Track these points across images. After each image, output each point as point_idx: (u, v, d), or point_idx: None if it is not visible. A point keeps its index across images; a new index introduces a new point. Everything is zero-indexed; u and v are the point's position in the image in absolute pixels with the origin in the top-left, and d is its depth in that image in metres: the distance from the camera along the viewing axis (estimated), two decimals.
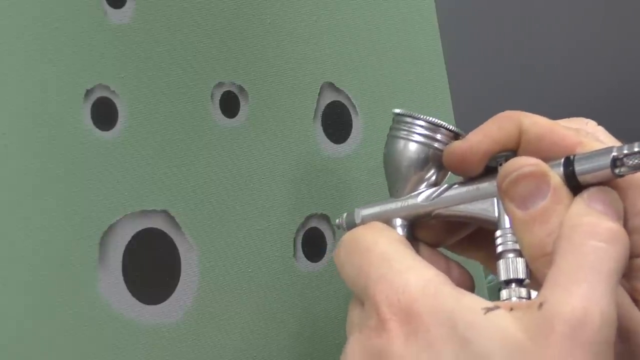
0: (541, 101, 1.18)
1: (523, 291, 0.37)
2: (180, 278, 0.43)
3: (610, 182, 0.36)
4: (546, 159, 0.37)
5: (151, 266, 0.42)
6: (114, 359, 0.41)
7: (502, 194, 0.37)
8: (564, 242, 0.35)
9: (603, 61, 1.43)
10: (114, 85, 0.41)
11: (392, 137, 0.41)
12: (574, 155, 0.37)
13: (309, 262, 0.47)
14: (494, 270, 0.38)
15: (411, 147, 0.41)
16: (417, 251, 0.40)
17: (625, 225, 0.36)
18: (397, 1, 0.51)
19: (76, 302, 0.40)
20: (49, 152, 0.40)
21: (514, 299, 0.37)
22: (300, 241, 0.47)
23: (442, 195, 0.40)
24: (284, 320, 0.46)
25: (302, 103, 0.47)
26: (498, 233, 0.38)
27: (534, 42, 1.39)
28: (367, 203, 0.42)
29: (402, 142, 0.41)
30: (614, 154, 0.35)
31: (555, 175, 0.36)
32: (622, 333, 0.35)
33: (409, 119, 0.41)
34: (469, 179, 0.40)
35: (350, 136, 0.49)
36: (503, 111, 0.40)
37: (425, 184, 0.41)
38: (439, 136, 0.40)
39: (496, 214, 0.38)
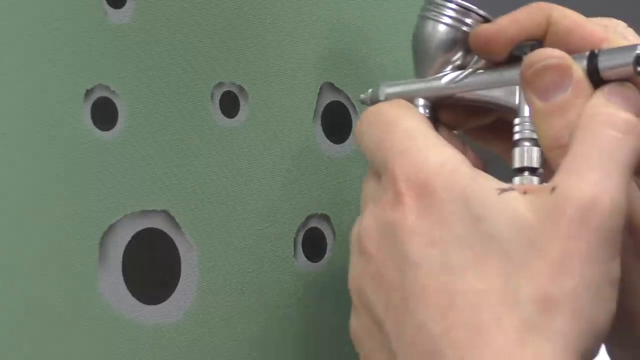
0: None
1: (535, 179, 0.38)
2: (180, 278, 0.43)
3: (632, 80, 0.37)
4: (571, 52, 0.37)
5: (151, 266, 0.42)
6: (114, 359, 0.41)
7: (525, 84, 0.38)
8: (581, 130, 0.35)
9: None
10: (114, 85, 0.41)
11: (422, 17, 0.42)
12: (599, 50, 0.37)
13: (309, 262, 0.47)
14: (510, 161, 0.39)
15: (440, 28, 0.41)
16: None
17: None
18: (397, 1, 0.51)
19: (76, 302, 0.40)
20: (49, 152, 0.40)
21: (526, 185, 0.37)
22: (300, 241, 0.47)
23: (466, 79, 0.41)
24: (284, 320, 0.46)
25: (302, 103, 0.47)
26: (516, 121, 0.39)
27: None
28: (392, 80, 0.43)
29: (431, 24, 0.41)
30: (638, 51, 0.36)
31: (579, 69, 0.37)
32: (631, 228, 0.36)
33: (440, 1, 0.41)
34: (494, 66, 0.40)
35: (350, 136, 0.49)
36: None
37: (450, 66, 0.42)
38: (468, 20, 0.41)
39: (517, 102, 0.39)
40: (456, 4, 0.41)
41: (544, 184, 0.36)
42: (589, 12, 0.40)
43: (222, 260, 0.44)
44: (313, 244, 0.47)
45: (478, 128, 0.44)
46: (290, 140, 0.47)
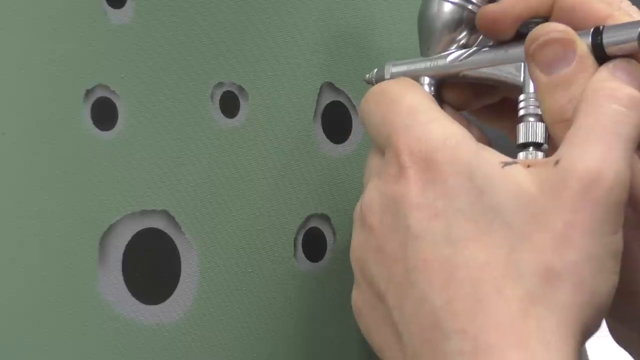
0: None
1: (540, 155, 0.38)
2: (180, 278, 0.43)
3: (636, 56, 0.37)
4: (576, 29, 0.38)
5: (151, 266, 0.42)
6: (114, 359, 0.41)
7: (529, 58, 0.38)
8: (585, 104, 0.35)
9: None
10: (114, 85, 0.41)
11: None
12: (603, 26, 0.37)
13: (309, 262, 0.47)
14: (515, 140, 0.39)
15: (446, 7, 0.41)
16: None
17: None
18: (397, 1, 0.51)
19: (76, 302, 0.40)
20: (49, 152, 0.40)
21: (530, 159, 0.38)
22: (300, 241, 0.47)
23: (471, 57, 0.41)
24: (284, 320, 0.46)
25: (302, 103, 0.47)
26: (521, 97, 0.39)
27: None
28: (397, 60, 0.43)
29: (437, 2, 0.42)
30: None
31: (582, 43, 0.37)
32: (633, 201, 0.36)
33: None
34: (499, 43, 0.41)
35: (350, 136, 0.49)
36: None
37: (456, 45, 0.42)
38: None
39: (522, 79, 0.39)
40: None
41: (548, 157, 0.36)
42: None
43: (222, 260, 0.44)
44: (313, 244, 0.47)
45: (484, 107, 0.44)
46: (290, 140, 0.47)
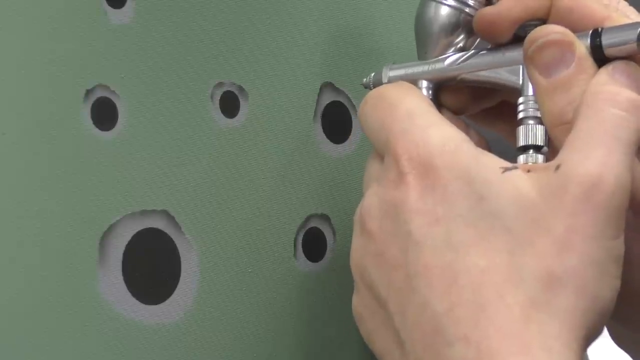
0: None
1: (540, 157, 0.38)
2: (180, 278, 0.43)
3: (635, 58, 0.37)
4: (574, 31, 0.37)
5: (151, 266, 0.42)
6: (114, 359, 0.41)
7: (527, 60, 0.38)
8: (585, 108, 0.35)
9: None
10: (114, 85, 0.41)
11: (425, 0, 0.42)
12: (602, 28, 0.37)
13: (309, 262, 0.47)
14: (515, 143, 0.39)
15: (443, 10, 0.41)
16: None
17: None
18: (397, 1, 0.51)
19: (76, 302, 0.40)
20: (49, 152, 0.40)
21: (530, 164, 0.37)
22: (300, 241, 0.47)
23: (469, 60, 0.41)
24: (284, 320, 0.46)
25: (302, 103, 0.47)
26: (520, 100, 0.39)
27: None
28: (395, 64, 0.43)
29: (434, 5, 0.42)
30: None
31: (581, 45, 0.37)
32: (635, 207, 0.36)
33: None
34: (497, 46, 0.40)
35: (350, 136, 0.49)
36: None
37: (453, 49, 0.42)
38: (471, 2, 0.41)
39: (520, 82, 0.39)
40: None
41: (549, 162, 0.36)
42: None
43: (222, 260, 0.44)
44: (313, 244, 0.47)
45: (482, 111, 0.44)
46: (290, 140, 0.47)
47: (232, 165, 0.45)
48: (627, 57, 0.37)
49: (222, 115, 0.45)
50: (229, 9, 0.45)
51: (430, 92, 0.42)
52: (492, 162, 0.36)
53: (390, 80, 0.43)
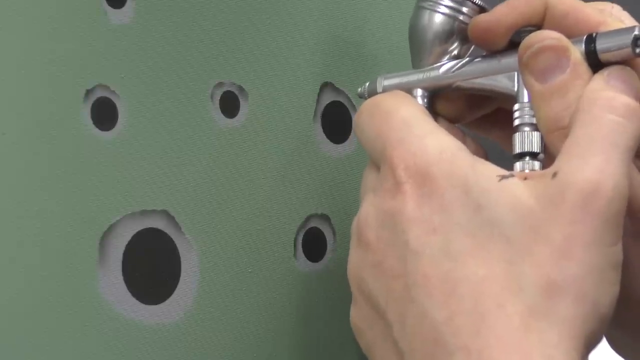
0: None
1: (536, 164, 0.38)
2: (180, 278, 0.43)
3: (630, 62, 0.37)
4: (569, 37, 0.37)
5: (151, 266, 0.42)
6: (114, 359, 0.41)
7: (523, 66, 0.38)
8: (581, 114, 0.35)
9: None
10: (114, 85, 0.41)
11: (418, 8, 0.42)
12: (596, 33, 0.37)
13: (309, 262, 0.47)
14: (511, 150, 0.39)
15: (437, 18, 0.41)
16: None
17: None
18: (397, 1, 0.51)
19: (76, 302, 0.40)
20: (49, 152, 0.40)
21: (527, 171, 0.37)
22: (300, 241, 0.47)
23: (464, 68, 0.41)
24: (284, 320, 0.46)
25: (302, 103, 0.47)
26: (516, 107, 0.38)
27: None
28: (389, 73, 0.43)
29: (427, 13, 0.41)
30: (636, 32, 0.36)
31: (576, 50, 0.37)
32: (632, 212, 0.36)
33: None
34: (492, 53, 0.40)
35: (350, 136, 0.49)
36: None
37: (448, 56, 0.42)
38: (465, 9, 0.41)
39: (515, 89, 0.39)
40: None
41: (546, 169, 0.36)
42: None
43: (222, 260, 0.44)
44: (313, 244, 0.47)
45: (478, 118, 0.44)
46: (290, 140, 0.47)
47: (232, 165, 0.45)
48: (622, 62, 0.37)
49: (222, 115, 0.45)
50: (229, 9, 0.45)
51: (425, 100, 0.42)
52: (489, 170, 0.35)
53: (385, 90, 0.43)
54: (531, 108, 0.38)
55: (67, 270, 0.40)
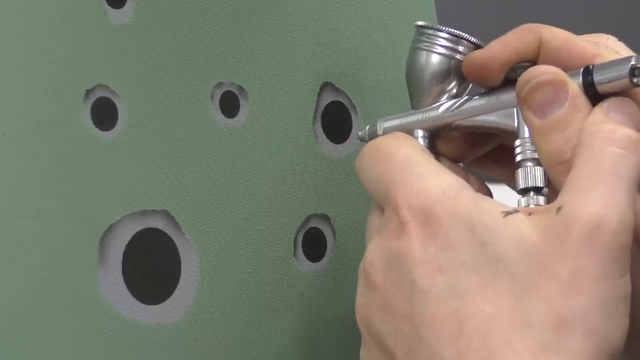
0: None
1: (541, 199, 0.37)
2: (180, 278, 0.43)
3: (629, 92, 0.37)
4: (565, 70, 0.37)
5: (151, 266, 0.42)
6: (113, 359, 0.41)
7: (521, 102, 0.38)
8: (583, 148, 0.35)
9: None
10: (114, 85, 0.41)
11: (414, 49, 0.42)
12: (593, 65, 0.37)
13: (309, 262, 0.47)
14: (515, 186, 0.38)
15: (433, 58, 0.41)
16: None
17: None
18: (397, 1, 0.51)
19: (76, 302, 0.40)
20: (49, 152, 0.40)
21: (532, 206, 0.37)
22: (300, 241, 0.47)
23: (463, 106, 0.41)
24: (284, 320, 0.46)
25: (302, 103, 0.47)
26: (517, 142, 0.38)
27: None
28: (389, 115, 0.43)
29: (424, 54, 0.41)
30: (633, 63, 0.36)
31: (574, 83, 0.37)
32: (636, 239, 0.35)
33: (431, 31, 0.41)
34: (489, 90, 0.40)
35: (350, 136, 0.49)
36: None
37: (446, 96, 0.41)
38: (460, 48, 0.41)
39: (515, 125, 0.39)
40: (447, 33, 0.41)
41: (549, 204, 0.35)
42: (578, 31, 0.40)
43: (222, 260, 0.44)
44: (313, 244, 0.47)
45: (480, 157, 0.43)
46: (290, 140, 0.47)
47: (232, 165, 0.45)
48: (620, 93, 0.36)
49: (222, 115, 0.45)
50: (229, 9, 0.45)
51: (426, 140, 0.41)
52: (493, 207, 0.35)
53: (385, 132, 0.42)
54: (532, 143, 0.38)
55: (67, 270, 0.40)
